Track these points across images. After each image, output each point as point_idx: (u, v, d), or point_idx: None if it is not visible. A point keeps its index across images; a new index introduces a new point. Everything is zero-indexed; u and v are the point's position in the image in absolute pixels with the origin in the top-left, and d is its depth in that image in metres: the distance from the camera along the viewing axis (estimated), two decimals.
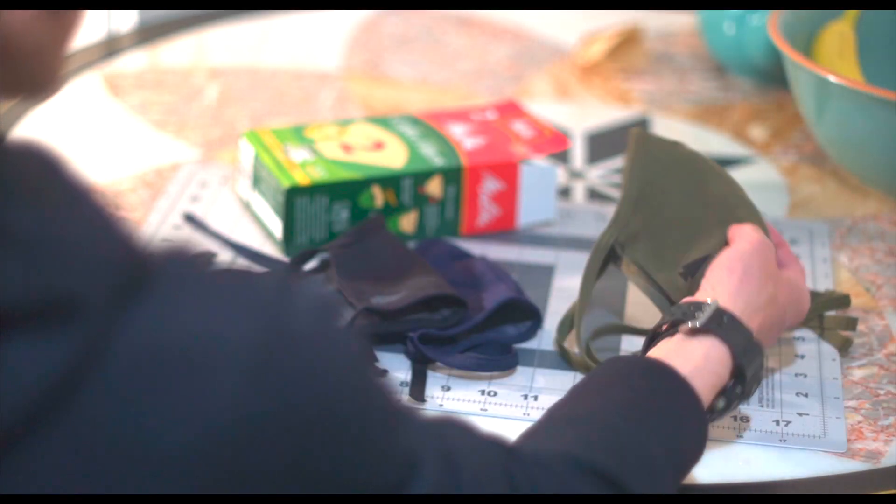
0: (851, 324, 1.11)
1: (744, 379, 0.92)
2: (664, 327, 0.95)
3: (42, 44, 0.61)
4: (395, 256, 1.13)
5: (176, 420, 0.58)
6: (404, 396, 1.03)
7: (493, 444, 0.76)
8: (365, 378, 0.66)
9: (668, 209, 1.07)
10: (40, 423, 0.57)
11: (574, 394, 0.89)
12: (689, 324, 0.92)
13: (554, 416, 0.86)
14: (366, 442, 0.65)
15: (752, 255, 0.97)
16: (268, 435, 0.60)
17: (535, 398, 1.03)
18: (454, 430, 0.74)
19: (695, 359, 0.91)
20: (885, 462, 0.98)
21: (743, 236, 1.00)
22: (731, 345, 0.91)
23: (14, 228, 0.57)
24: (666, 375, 0.89)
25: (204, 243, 1.21)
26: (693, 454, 0.88)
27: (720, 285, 0.96)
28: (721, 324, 0.92)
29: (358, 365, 0.66)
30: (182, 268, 0.62)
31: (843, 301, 1.12)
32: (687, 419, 0.88)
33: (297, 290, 0.63)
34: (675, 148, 1.12)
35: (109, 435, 0.58)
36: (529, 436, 0.84)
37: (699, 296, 0.96)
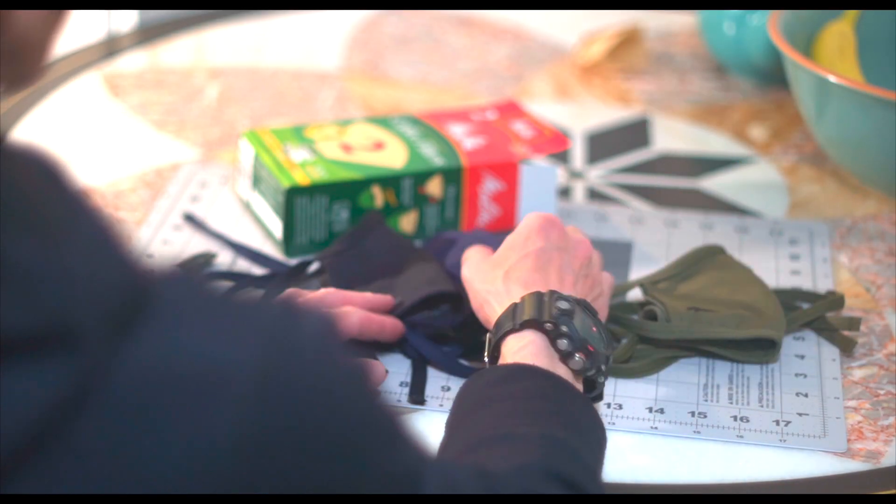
0: (855, 324, 1.11)
1: (535, 320, 0.93)
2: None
3: (39, 40, 0.61)
4: (393, 253, 1.13)
5: (176, 445, 0.58)
6: (404, 397, 1.03)
7: (472, 468, 0.77)
8: (368, 400, 0.65)
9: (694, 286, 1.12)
10: (37, 453, 0.56)
11: (453, 426, 0.88)
12: (486, 348, 0.97)
13: (451, 452, 0.85)
14: (368, 464, 0.65)
15: (467, 265, 1.03)
16: (269, 458, 0.60)
17: None
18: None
19: (509, 354, 0.93)
20: (885, 462, 0.98)
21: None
22: (501, 330, 0.95)
23: (12, 255, 0.56)
24: (525, 372, 0.90)
25: (204, 243, 1.21)
26: (594, 427, 0.88)
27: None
28: (491, 341, 0.96)
29: (361, 388, 0.65)
30: (183, 290, 0.62)
31: (838, 303, 1.12)
32: (568, 399, 0.89)
33: (299, 313, 0.63)
34: (736, 264, 1.15)
35: (109, 462, 0.57)
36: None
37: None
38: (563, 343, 0.93)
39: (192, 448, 0.58)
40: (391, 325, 1.05)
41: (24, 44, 0.61)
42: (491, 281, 1.00)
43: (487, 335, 0.97)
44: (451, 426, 0.88)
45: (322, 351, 0.63)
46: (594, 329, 0.95)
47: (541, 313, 0.94)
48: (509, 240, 1.02)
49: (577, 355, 0.93)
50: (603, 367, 0.94)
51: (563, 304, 0.94)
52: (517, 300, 0.96)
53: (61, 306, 0.57)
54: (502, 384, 0.89)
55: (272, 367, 0.60)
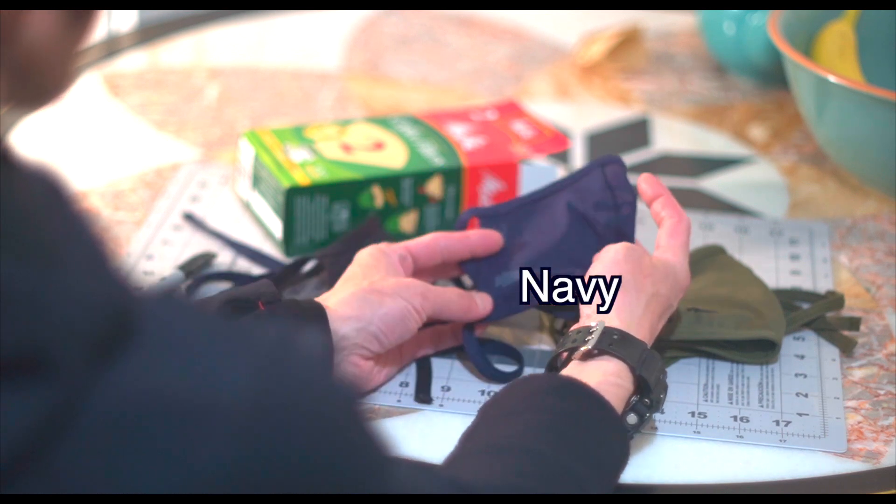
0: (855, 324, 1.11)
1: (648, 390, 0.94)
2: (563, 355, 0.96)
3: (59, 47, 0.60)
4: None
5: (162, 473, 0.56)
6: (408, 396, 1.03)
7: (453, 483, 0.78)
8: (360, 428, 0.64)
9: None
10: (10, 481, 0.55)
11: (488, 418, 0.89)
12: (582, 348, 0.94)
13: (474, 444, 0.86)
14: (358, 491, 0.64)
15: (620, 265, 0.98)
16: (258, 485, 0.58)
17: None
18: (417, 471, 0.76)
19: (595, 377, 0.92)
20: (885, 462, 0.98)
21: (605, 252, 1.00)
22: (625, 359, 0.93)
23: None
24: (578, 392, 0.90)
25: (204, 243, 1.21)
26: (618, 464, 0.90)
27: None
28: (612, 342, 0.94)
29: (353, 415, 0.64)
30: (174, 314, 0.60)
31: (837, 303, 1.13)
32: (606, 432, 0.89)
33: (293, 338, 0.62)
34: (736, 264, 1.15)
35: (89, 491, 0.56)
36: (452, 464, 0.85)
37: (584, 321, 0.97)
38: (632, 418, 0.94)
39: (176, 477, 0.56)
40: (480, 307, 1.04)
41: (38, 56, 0.59)
42: (639, 281, 0.97)
43: (606, 325, 0.95)
44: (489, 417, 0.89)
45: (314, 378, 0.62)
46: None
47: (656, 390, 0.94)
48: (669, 270, 1.00)
49: (633, 422, 0.94)
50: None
51: (662, 395, 0.95)
52: (644, 340, 0.95)
53: (38, 332, 0.55)
54: (550, 395, 0.89)
55: (263, 395, 0.59)
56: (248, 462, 0.58)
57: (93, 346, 0.56)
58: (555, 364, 0.97)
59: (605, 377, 0.92)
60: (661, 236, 1.03)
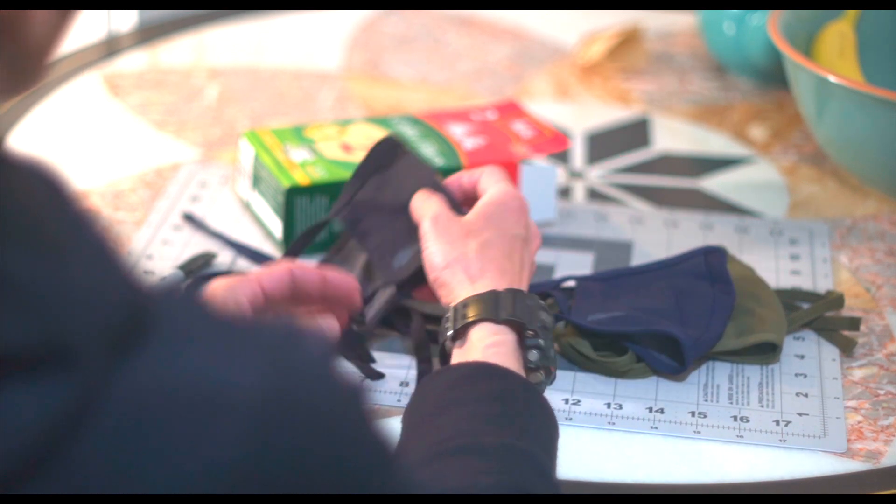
0: (854, 324, 1.11)
1: (520, 323, 0.94)
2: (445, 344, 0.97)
3: (49, 43, 0.61)
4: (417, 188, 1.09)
5: (175, 466, 0.57)
6: (408, 396, 1.03)
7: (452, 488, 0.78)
8: (365, 424, 0.65)
9: None
10: (34, 472, 0.55)
11: (413, 428, 0.88)
12: (447, 338, 0.96)
13: (414, 456, 0.85)
14: (362, 488, 0.65)
15: (435, 244, 1.00)
16: (267, 479, 0.59)
17: None
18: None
19: (476, 352, 0.93)
20: (885, 462, 0.98)
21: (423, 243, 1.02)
22: (479, 318, 0.94)
23: (12, 271, 0.55)
24: (480, 372, 0.90)
25: (204, 243, 1.21)
26: (550, 425, 0.89)
27: (451, 283, 0.99)
28: (462, 314, 0.95)
29: (359, 411, 0.65)
30: (185, 310, 0.61)
31: (837, 303, 1.13)
32: (527, 397, 0.89)
33: (300, 334, 0.62)
34: (738, 264, 1.15)
35: (107, 482, 0.56)
36: None
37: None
38: (533, 355, 0.94)
39: (191, 469, 0.57)
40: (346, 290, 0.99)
41: (36, 47, 0.60)
42: (461, 246, 1.00)
43: (453, 307, 0.97)
44: (410, 427, 0.88)
45: (323, 374, 0.62)
46: (554, 346, 0.98)
47: (530, 319, 0.95)
48: (486, 210, 1.02)
49: (540, 371, 0.95)
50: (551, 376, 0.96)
51: (545, 317, 0.96)
52: (495, 287, 0.96)
53: (60, 324, 0.56)
54: (464, 385, 0.89)
55: (274, 389, 0.59)
56: (259, 454, 0.59)
57: (111, 340, 0.57)
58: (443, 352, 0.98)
59: (482, 346, 0.93)
60: (482, 186, 1.06)
